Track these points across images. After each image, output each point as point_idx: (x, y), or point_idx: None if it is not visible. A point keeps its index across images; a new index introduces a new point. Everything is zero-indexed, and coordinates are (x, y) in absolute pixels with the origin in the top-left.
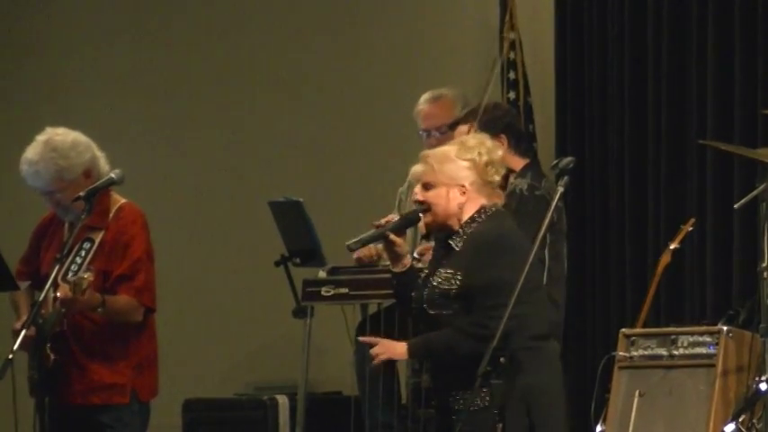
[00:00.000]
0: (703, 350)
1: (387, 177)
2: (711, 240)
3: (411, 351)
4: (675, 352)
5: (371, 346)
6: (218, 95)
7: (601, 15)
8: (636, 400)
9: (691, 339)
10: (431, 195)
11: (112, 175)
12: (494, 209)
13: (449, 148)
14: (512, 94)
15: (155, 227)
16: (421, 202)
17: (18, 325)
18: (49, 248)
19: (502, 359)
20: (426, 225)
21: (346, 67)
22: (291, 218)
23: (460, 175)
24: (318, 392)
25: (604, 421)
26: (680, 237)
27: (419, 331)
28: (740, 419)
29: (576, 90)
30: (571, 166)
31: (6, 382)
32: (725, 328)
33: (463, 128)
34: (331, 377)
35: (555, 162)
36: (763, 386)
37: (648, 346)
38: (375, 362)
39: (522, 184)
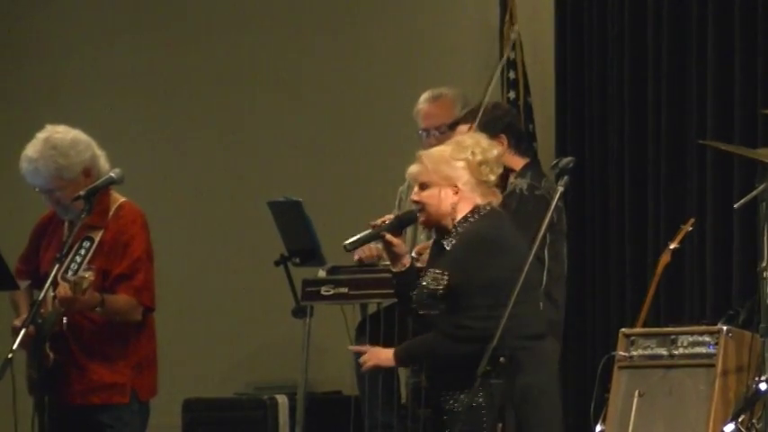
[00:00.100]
0: (703, 350)
1: (387, 177)
2: (711, 240)
3: (396, 357)
4: (675, 352)
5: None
6: (218, 95)
7: (601, 15)
8: (636, 399)
9: (691, 339)
10: (424, 195)
11: (112, 174)
12: (488, 208)
13: (443, 148)
14: (512, 94)
15: (155, 227)
16: (417, 202)
17: (18, 322)
18: (48, 247)
19: (502, 359)
20: (422, 225)
21: (346, 67)
22: (291, 217)
23: (453, 174)
24: (318, 392)
25: (604, 421)
26: (680, 236)
27: (417, 331)
28: (740, 419)
29: (575, 90)
30: (571, 165)
31: (6, 382)
32: (725, 327)
33: (463, 127)
34: (331, 377)
35: (555, 162)
36: (762, 386)
37: (648, 346)
38: (363, 369)
39: (522, 183)
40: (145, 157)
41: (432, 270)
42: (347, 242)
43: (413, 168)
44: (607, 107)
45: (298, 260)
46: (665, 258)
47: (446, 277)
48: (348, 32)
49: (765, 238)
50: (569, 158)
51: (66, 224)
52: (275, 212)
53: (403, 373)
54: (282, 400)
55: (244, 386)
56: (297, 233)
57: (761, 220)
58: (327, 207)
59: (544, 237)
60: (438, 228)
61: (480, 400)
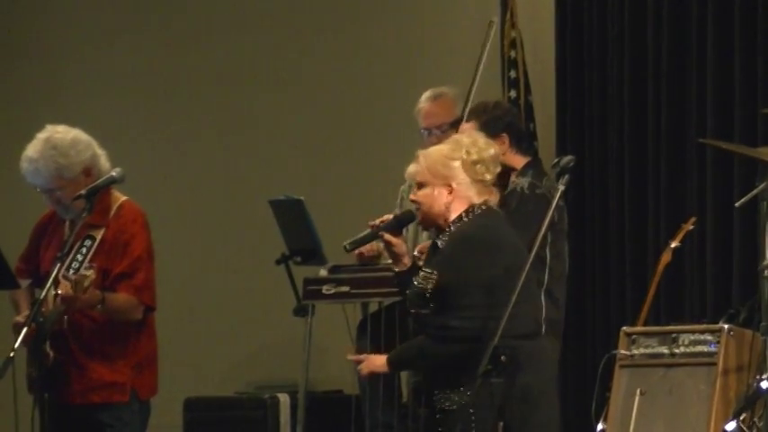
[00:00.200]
0: (704, 348)
1: (387, 177)
2: (711, 239)
3: (389, 363)
4: (676, 350)
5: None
6: (219, 95)
7: (601, 15)
8: (637, 398)
9: (692, 338)
10: (420, 195)
11: (113, 173)
12: (483, 207)
13: (440, 148)
14: (512, 93)
15: (155, 226)
16: (415, 202)
17: (20, 318)
18: (49, 246)
19: (503, 357)
20: (419, 224)
21: (346, 67)
22: (292, 216)
23: (448, 174)
24: (319, 391)
25: (605, 420)
26: (680, 235)
27: (417, 330)
28: (741, 418)
29: (576, 89)
30: (572, 164)
31: (6, 381)
32: (726, 326)
33: (466, 125)
34: (332, 376)
35: (556, 161)
36: (763, 385)
37: (649, 345)
38: (359, 377)
39: (523, 182)
40: (145, 157)
41: (423, 269)
42: (347, 243)
43: (411, 168)
44: (607, 107)
45: (299, 259)
46: (665, 257)
47: (435, 276)
48: (348, 32)
49: (766, 236)
50: (570, 157)
51: (68, 223)
52: (276, 211)
53: (404, 373)
54: (284, 399)
55: (244, 385)
56: (298, 232)
57: (761, 218)
58: (328, 207)
59: (545, 236)
60: (436, 227)
61: (470, 399)
